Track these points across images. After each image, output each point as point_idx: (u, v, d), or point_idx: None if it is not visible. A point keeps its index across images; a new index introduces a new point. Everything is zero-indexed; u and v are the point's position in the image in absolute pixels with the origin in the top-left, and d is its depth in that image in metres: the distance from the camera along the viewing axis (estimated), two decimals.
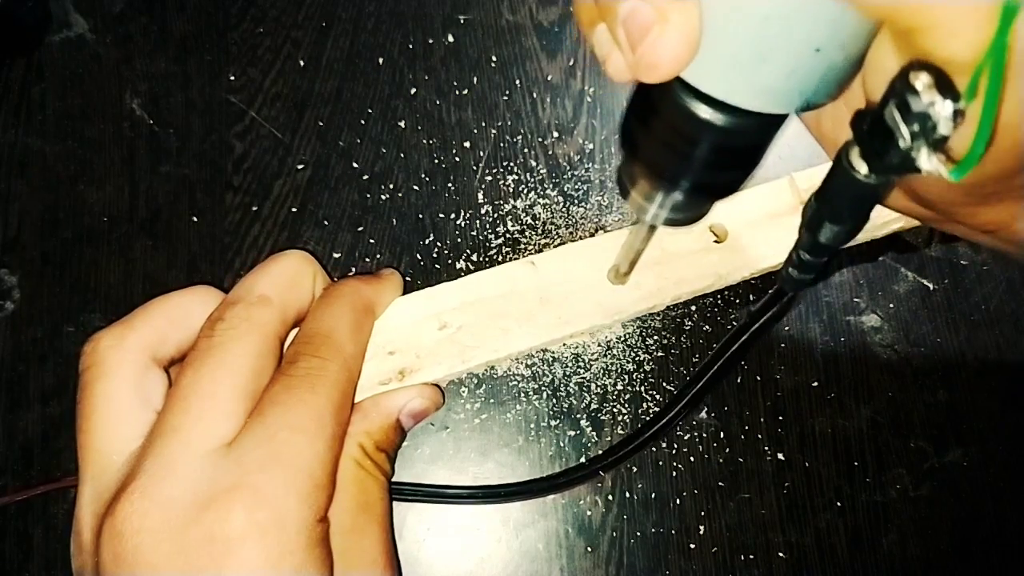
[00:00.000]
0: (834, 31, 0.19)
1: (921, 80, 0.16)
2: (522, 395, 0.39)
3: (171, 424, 0.26)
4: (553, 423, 0.38)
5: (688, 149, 0.23)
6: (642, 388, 0.39)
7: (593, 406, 0.38)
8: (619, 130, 0.26)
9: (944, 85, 0.16)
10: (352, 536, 0.28)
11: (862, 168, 0.20)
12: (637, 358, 0.39)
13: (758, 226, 0.36)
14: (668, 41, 0.19)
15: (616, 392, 0.39)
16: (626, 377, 0.39)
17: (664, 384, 0.39)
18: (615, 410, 0.38)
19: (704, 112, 0.21)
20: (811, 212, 0.23)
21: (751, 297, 0.40)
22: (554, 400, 0.38)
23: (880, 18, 0.19)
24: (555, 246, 0.41)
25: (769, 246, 0.36)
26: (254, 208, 0.41)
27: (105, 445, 0.27)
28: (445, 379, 0.34)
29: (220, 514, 0.24)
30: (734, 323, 0.40)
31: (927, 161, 0.17)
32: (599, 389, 0.39)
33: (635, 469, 0.38)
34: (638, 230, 0.31)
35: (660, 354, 0.39)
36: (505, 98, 0.44)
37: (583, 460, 0.37)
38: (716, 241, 0.36)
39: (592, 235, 0.41)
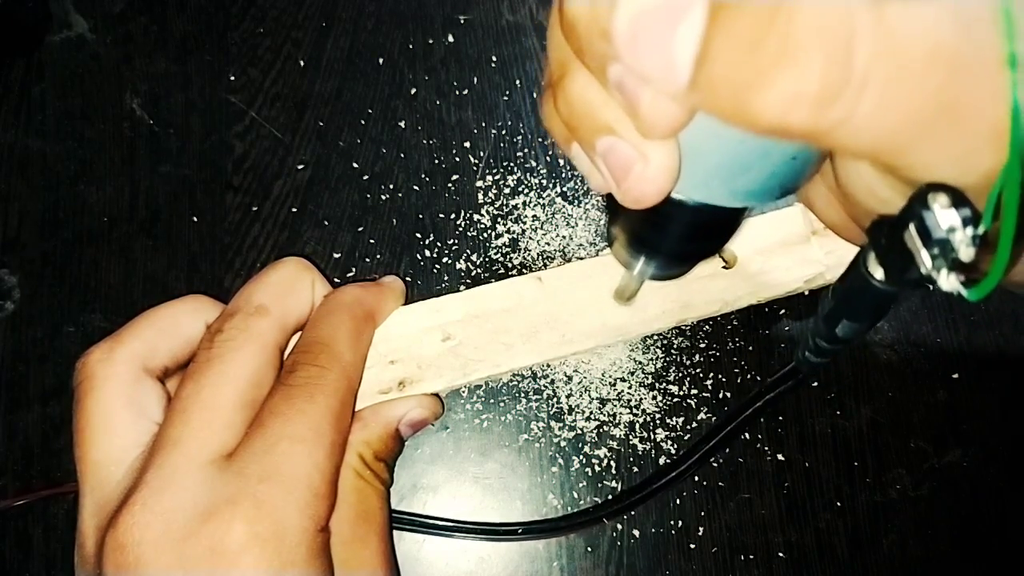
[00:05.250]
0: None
1: (940, 202, 0.16)
2: (522, 395, 0.39)
3: (171, 436, 0.26)
4: (553, 424, 0.38)
5: (666, 224, 0.24)
6: (642, 388, 0.39)
7: (593, 406, 0.38)
8: (605, 196, 0.26)
9: (963, 206, 0.16)
10: (352, 546, 0.28)
11: (878, 274, 0.20)
12: (637, 358, 0.39)
13: (768, 254, 0.36)
14: (650, 177, 0.19)
15: (616, 393, 0.39)
16: (626, 377, 0.39)
17: (664, 384, 0.39)
18: (615, 411, 0.38)
19: (681, 195, 0.22)
20: (829, 307, 0.24)
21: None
22: (554, 400, 0.38)
23: (862, 158, 0.19)
24: (555, 247, 0.41)
25: (778, 274, 0.35)
26: (254, 208, 0.41)
27: (102, 456, 0.27)
28: (445, 391, 0.34)
29: (221, 526, 0.24)
30: (734, 322, 0.40)
31: (946, 282, 0.16)
32: (599, 390, 0.39)
33: (635, 469, 0.38)
34: (629, 276, 0.31)
35: (660, 354, 0.39)
36: (505, 98, 0.44)
37: (588, 507, 0.37)
38: (725, 267, 0.35)
39: (592, 235, 0.41)
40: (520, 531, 0.36)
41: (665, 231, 0.24)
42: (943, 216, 0.16)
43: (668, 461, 0.38)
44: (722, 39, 0.15)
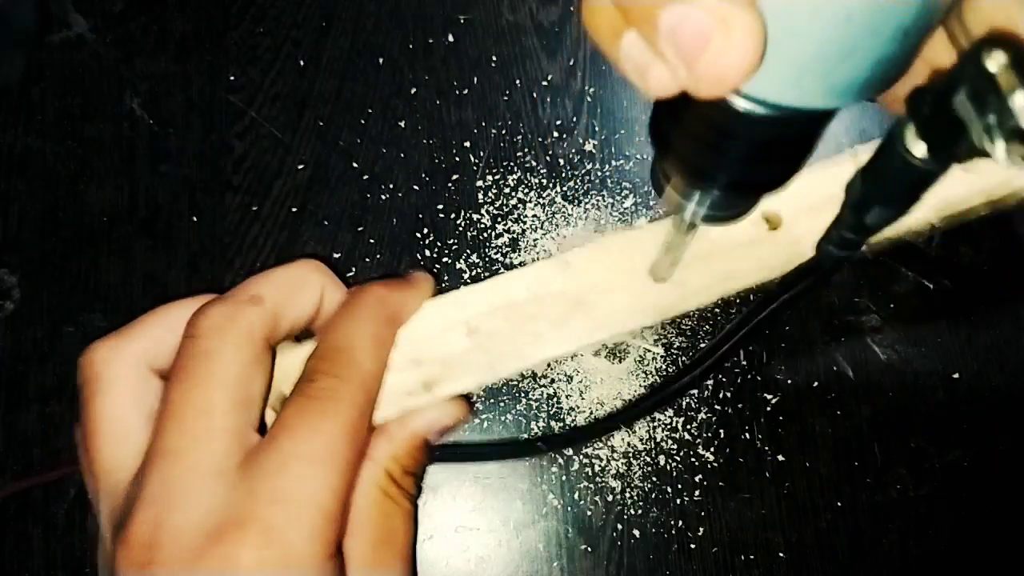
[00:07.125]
0: (925, 7, 0.16)
1: (997, 61, 0.14)
2: (522, 395, 0.39)
3: (171, 446, 0.25)
4: (553, 424, 0.38)
5: (728, 145, 0.20)
6: (642, 388, 0.39)
7: (594, 406, 0.38)
8: (649, 124, 0.24)
9: (1023, 66, 0.13)
10: (372, 571, 0.27)
11: (919, 151, 0.17)
12: (638, 357, 0.39)
13: (818, 212, 0.30)
14: (734, 51, 0.16)
15: (616, 392, 0.39)
16: (626, 377, 0.39)
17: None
18: (615, 410, 0.38)
19: (747, 104, 0.18)
20: (857, 193, 0.21)
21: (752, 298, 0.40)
22: (554, 400, 0.38)
23: None
24: (556, 247, 0.41)
25: None
26: (254, 208, 0.41)
27: (114, 463, 0.26)
28: (475, 389, 0.33)
29: (229, 549, 0.23)
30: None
31: (1003, 155, 0.14)
32: (599, 389, 0.39)
33: (636, 469, 0.38)
34: (677, 229, 0.27)
35: (661, 352, 0.39)
36: (505, 98, 0.44)
37: (606, 414, 0.36)
38: (770, 229, 0.31)
39: (592, 236, 0.41)
40: (541, 444, 0.34)
41: (725, 151, 0.20)
42: (1002, 77, 0.14)
43: (680, 372, 0.35)
44: None
